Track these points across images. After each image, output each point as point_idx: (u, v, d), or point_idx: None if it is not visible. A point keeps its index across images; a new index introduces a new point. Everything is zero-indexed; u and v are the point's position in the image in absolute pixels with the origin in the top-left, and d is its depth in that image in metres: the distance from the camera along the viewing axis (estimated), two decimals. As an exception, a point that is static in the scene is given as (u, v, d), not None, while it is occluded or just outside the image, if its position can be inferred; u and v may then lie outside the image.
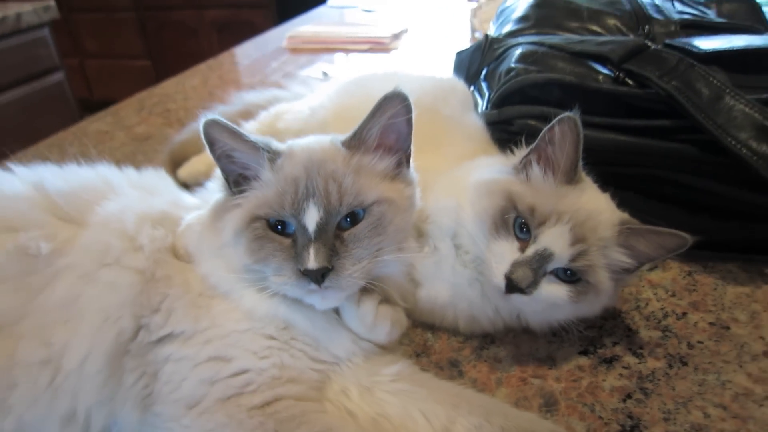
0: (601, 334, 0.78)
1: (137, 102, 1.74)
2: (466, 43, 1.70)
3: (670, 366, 0.73)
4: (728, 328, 0.78)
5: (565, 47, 0.93)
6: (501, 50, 1.04)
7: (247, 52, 2.24)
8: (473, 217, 0.73)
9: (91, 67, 4.62)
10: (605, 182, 0.86)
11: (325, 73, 1.85)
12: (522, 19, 1.16)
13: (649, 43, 0.89)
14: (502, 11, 1.33)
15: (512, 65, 0.92)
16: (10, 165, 0.77)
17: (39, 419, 0.60)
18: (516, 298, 0.69)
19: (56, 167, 0.78)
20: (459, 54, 1.26)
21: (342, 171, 0.65)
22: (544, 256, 0.68)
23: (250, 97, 1.35)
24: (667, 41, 0.98)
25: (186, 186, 1.01)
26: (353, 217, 0.65)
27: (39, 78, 2.79)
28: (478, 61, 1.12)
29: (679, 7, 1.14)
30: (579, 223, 0.68)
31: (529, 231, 0.69)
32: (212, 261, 0.67)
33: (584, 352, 0.76)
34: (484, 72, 1.08)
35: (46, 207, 0.70)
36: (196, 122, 1.29)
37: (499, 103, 0.91)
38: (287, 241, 0.64)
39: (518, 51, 0.96)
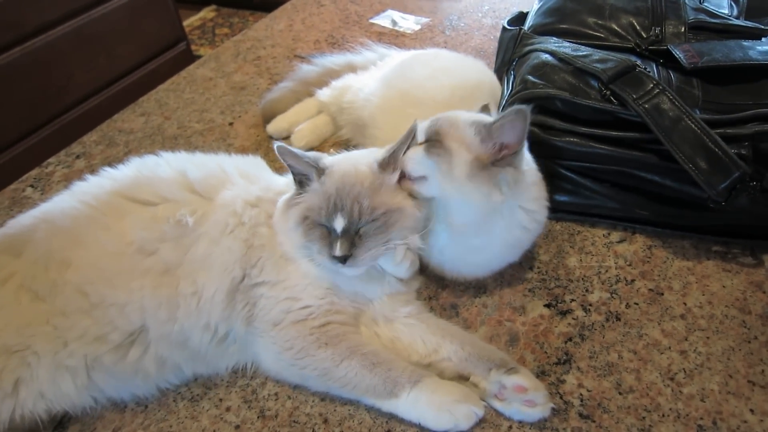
0: (564, 292, 1.09)
1: (233, 46, 2.03)
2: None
3: (607, 320, 1.03)
4: (662, 293, 1.06)
5: (571, 60, 1.15)
6: (527, 50, 1.26)
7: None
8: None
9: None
10: (586, 175, 1.13)
11: (394, 22, 2.06)
12: (555, 11, 1.35)
13: (639, 64, 1.10)
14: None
15: (525, 76, 1.16)
16: (161, 153, 1.12)
17: (190, 327, 0.99)
18: (402, 161, 0.98)
19: (189, 156, 1.13)
20: (504, 31, 1.47)
21: (364, 193, 0.94)
22: (414, 132, 0.99)
23: (328, 61, 1.63)
24: (669, 47, 1.17)
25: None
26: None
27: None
28: (511, 51, 1.34)
29: (696, 3, 1.29)
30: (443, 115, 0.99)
31: None
32: (284, 236, 1.01)
33: (548, 305, 1.07)
34: (514, 63, 1.31)
35: (189, 189, 1.04)
36: (282, 82, 1.62)
37: (510, 108, 1.16)
38: (327, 231, 0.95)
39: (534, 61, 1.19)
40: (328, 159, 1.01)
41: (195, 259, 0.98)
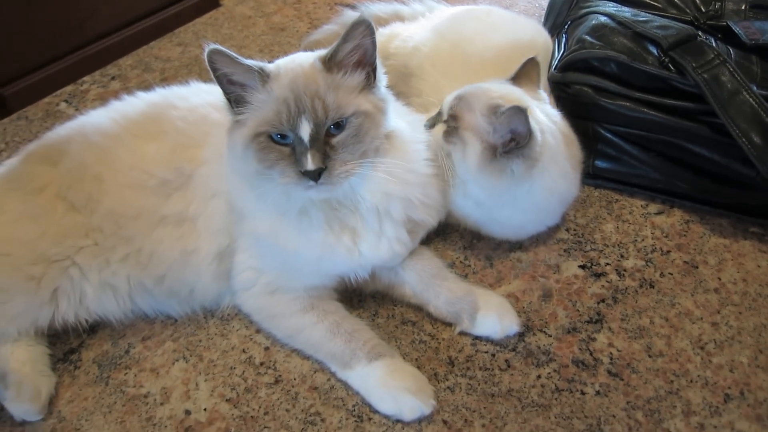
0: (599, 255, 1.08)
1: (275, -12, 2.01)
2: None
3: (641, 286, 1.03)
4: (697, 267, 1.06)
5: (630, 24, 1.13)
6: (583, 12, 1.24)
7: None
8: None
9: None
10: (633, 142, 1.12)
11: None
12: (613, -22, 1.33)
13: (700, 34, 1.08)
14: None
15: (583, 36, 1.14)
16: (197, 84, 1.08)
17: (194, 281, 0.97)
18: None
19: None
20: (554, -6, 1.44)
21: (323, 90, 0.81)
22: (439, 109, 1.01)
23: (375, 8, 1.60)
24: (729, 22, 1.16)
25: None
26: (337, 125, 0.82)
27: None
28: (565, 13, 1.32)
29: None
30: (463, 93, 0.98)
31: None
32: (233, 175, 0.90)
33: (582, 266, 1.07)
34: (567, 26, 1.29)
35: (205, 131, 0.98)
36: (326, 24, 1.60)
37: (564, 67, 1.15)
38: (287, 149, 0.81)
39: (592, 22, 1.17)
40: (268, 64, 0.86)
41: (194, 217, 0.96)
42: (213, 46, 0.79)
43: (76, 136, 1.00)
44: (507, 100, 0.96)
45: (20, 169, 1.00)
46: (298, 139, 0.81)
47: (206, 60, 0.80)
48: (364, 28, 0.82)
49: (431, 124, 1.02)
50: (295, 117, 0.80)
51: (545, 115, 1.01)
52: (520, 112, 0.90)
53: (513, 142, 0.94)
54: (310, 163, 0.79)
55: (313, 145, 0.80)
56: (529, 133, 0.92)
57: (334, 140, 0.82)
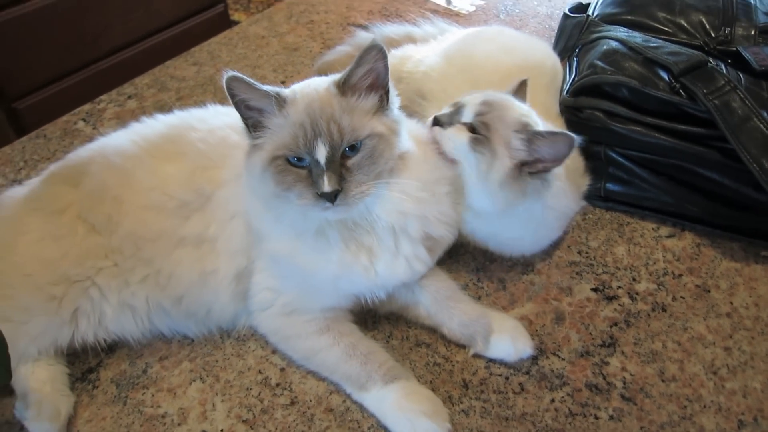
0: (611, 278, 1.09)
1: (286, 8, 2.03)
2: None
3: (653, 310, 1.04)
4: (709, 291, 1.07)
5: (642, 50, 1.14)
6: (594, 37, 1.26)
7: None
8: None
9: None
10: (644, 166, 1.13)
11: (448, 0, 2.06)
12: (624, 2, 1.35)
13: (710, 60, 1.10)
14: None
15: (595, 61, 1.16)
16: (216, 107, 1.10)
17: (212, 302, 0.98)
18: (438, 132, 0.98)
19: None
20: (565, 17, 1.46)
21: (338, 113, 0.84)
22: (458, 106, 0.98)
23: (388, 30, 1.62)
24: (739, 48, 1.17)
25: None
26: (352, 148, 0.84)
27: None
28: (576, 38, 1.34)
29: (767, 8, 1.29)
30: (491, 99, 0.98)
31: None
32: (251, 196, 0.92)
33: (595, 289, 1.07)
34: (578, 50, 1.31)
35: (224, 154, 0.99)
36: (339, 45, 1.62)
37: (576, 92, 1.16)
38: (304, 172, 0.83)
39: (604, 47, 1.19)
40: (285, 89, 0.89)
41: (213, 238, 0.97)
42: (231, 73, 0.81)
43: (97, 158, 1.02)
44: (529, 117, 0.98)
45: (42, 190, 1.01)
46: (314, 161, 0.83)
47: (224, 87, 0.82)
48: (377, 52, 0.84)
49: (448, 122, 0.99)
50: (312, 140, 0.82)
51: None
52: (568, 139, 0.91)
53: (540, 164, 0.95)
54: (327, 186, 0.81)
55: (329, 168, 0.82)
56: (560, 162, 0.95)
57: (350, 162, 0.84)
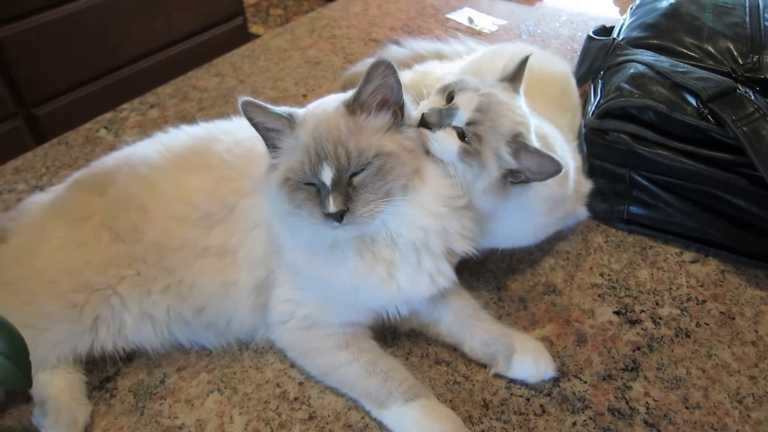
0: (634, 302, 1.08)
1: (309, 22, 2.06)
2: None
3: (677, 335, 1.02)
4: (733, 318, 1.05)
5: (669, 75, 1.14)
6: (621, 60, 1.26)
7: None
8: None
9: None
10: (669, 190, 1.12)
11: (470, 19, 2.07)
12: (650, 26, 1.35)
13: (739, 87, 1.10)
14: (640, 4, 1.50)
15: (621, 84, 1.16)
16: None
17: (232, 313, 0.98)
18: (425, 134, 0.91)
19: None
20: (590, 40, 1.47)
21: (345, 135, 0.83)
22: (451, 108, 0.92)
23: (418, 46, 1.63)
24: (766, 75, 1.17)
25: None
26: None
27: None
28: (601, 60, 1.34)
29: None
30: (486, 105, 0.92)
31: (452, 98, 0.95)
32: (272, 213, 0.93)
33: (617, 312, 1.06)
34: (602, 72, 1.31)
35: (248, 165, 0.99)
36: (364, 59, 1.63)
37: (602, 114, 1.16)
38: (314, 191, 0.84)
39: (631, 71, 1.19)
40: (299, 110, 0.90)
41: (235, 249, 0.97)
42: (244, 98, 0.83)
43: (124, 167, 1.02)
44: (524, 125, 0.94)
45: (67, 197, 1.02)
46: (321, 182, 0.84)
47: (242, 111, 0.85)
48: (384, 68, 0.84)
49: (436, 123, 0.92)
50: (316, 165, 0.83)
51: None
52: (555, 165, 0.89)
53: (523, 174, 0.93)
54: (332, 206, 0.81)
55: (335, 188, 0.82)
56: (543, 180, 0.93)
57: (356, 180, 0.84)
